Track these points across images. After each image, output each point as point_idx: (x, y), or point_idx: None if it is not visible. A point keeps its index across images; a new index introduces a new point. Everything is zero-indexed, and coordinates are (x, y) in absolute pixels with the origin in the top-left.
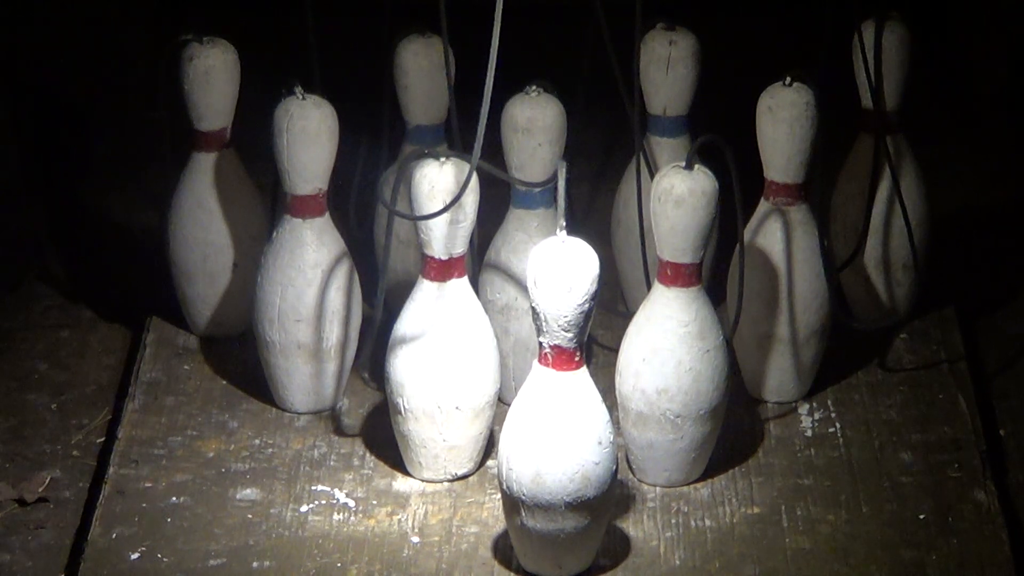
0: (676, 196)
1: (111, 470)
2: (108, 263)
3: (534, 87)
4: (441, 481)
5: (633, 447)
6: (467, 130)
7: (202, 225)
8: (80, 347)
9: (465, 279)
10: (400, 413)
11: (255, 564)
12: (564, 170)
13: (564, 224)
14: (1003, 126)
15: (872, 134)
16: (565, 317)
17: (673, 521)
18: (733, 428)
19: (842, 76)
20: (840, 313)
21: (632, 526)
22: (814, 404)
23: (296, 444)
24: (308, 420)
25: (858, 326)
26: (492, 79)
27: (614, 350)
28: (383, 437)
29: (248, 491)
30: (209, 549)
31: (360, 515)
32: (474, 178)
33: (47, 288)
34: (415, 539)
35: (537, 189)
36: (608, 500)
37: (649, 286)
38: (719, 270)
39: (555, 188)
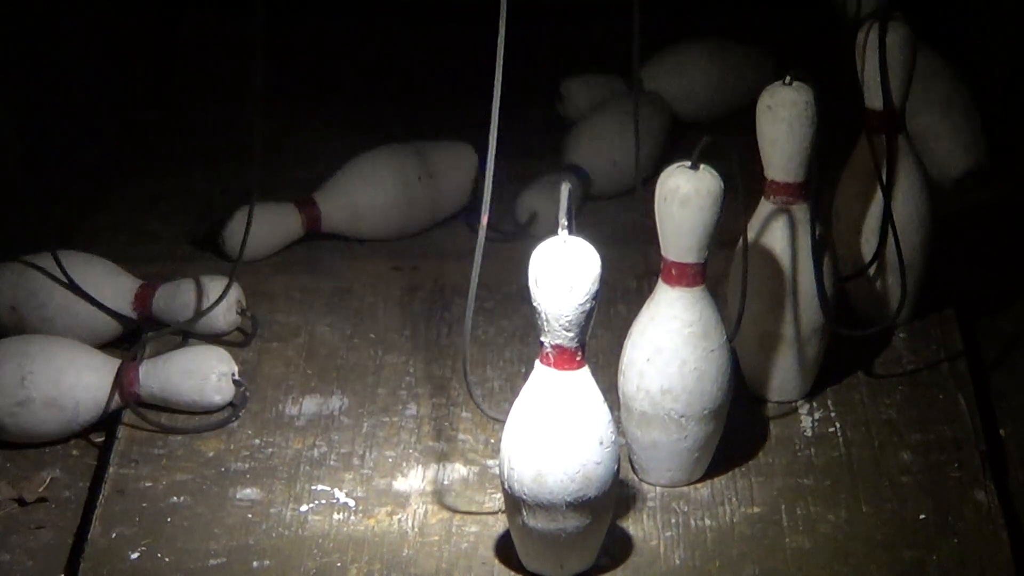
0: (682, 196)
1: (111, 470)
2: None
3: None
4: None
5: (636, 447)
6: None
7: None
8: None
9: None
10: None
11: (255, 564)
12: (567, 191)
13: (566, 224)
14: (1003, 126)
15: (874, 134)
16: (566, 317)
17: (673, 521)
18: (733, 428)
19: (844, 76)
20: (829, 318)
21: (632, 525)
22: (814, 404)
23: (296, 444)
24: (308, 420)
25: (845, 333)
26: (499, 80)
27: (615, 350)
28: (383, 437)
29: (248, 491)
30: (209, 549)
31: (360, 515)
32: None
33: None
34: (415, 539)
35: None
36: (610, 500)
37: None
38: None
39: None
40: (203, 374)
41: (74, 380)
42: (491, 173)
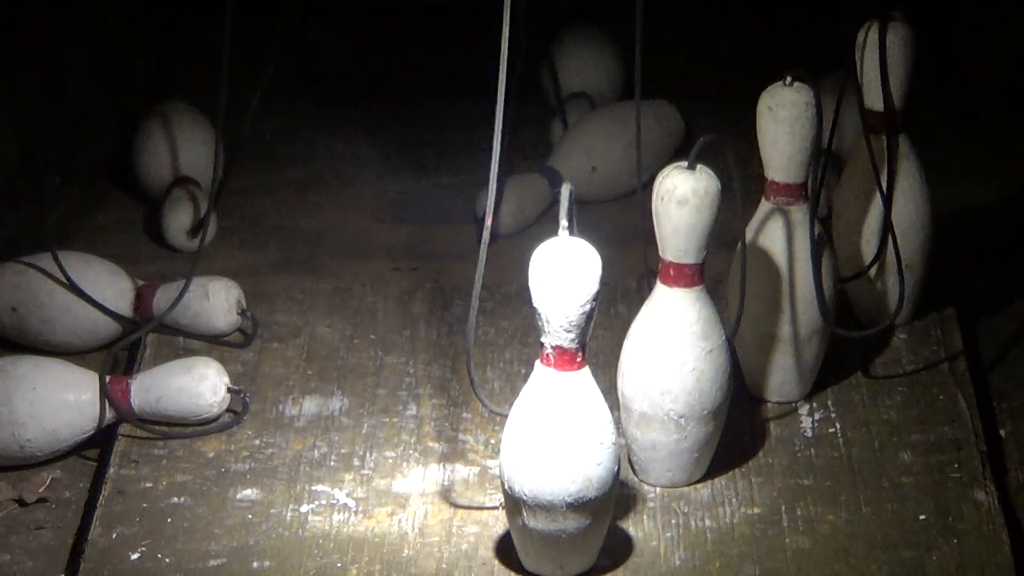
0: (679, 196)
1: (111, 470)
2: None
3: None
4: None
5: (636, 448)
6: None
7: None
8: None
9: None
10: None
11: (255, 564)
12: (568, 191)
13: (567, 224)
14: (1003, 125)
15: (874, 134)
16: (567, 317)
17: (673, 521)
18: (733, 428)
19: (845, 76)
20: (827, 319)
21: (632, 526)
22: (814, 404)
23: (296, 444)
24: (308, 420)
25: (844, 334)
26: (503, 81)
27: (615, 350)
28: (383, 437)
29: (248, 491)
30: (209, 549)
31: (360, 515)
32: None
33: None
34: (415, 540)
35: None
36: (610, 501)
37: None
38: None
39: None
40: (196, 390)
41: (67, 417)
42: (495, 174)
